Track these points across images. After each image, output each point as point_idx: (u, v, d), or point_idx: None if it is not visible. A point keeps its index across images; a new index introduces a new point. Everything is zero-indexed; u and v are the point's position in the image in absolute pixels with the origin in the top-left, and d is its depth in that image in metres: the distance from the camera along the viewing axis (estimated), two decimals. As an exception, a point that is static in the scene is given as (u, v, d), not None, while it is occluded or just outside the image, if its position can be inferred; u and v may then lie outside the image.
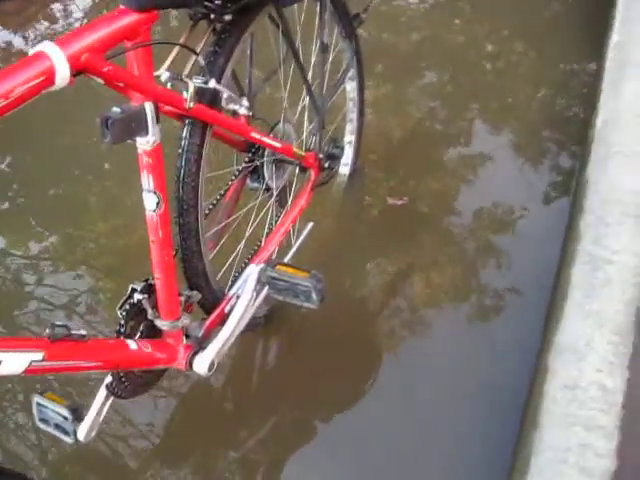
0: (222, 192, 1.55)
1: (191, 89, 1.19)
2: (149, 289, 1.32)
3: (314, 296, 1.39)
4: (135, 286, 1.32)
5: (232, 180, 1.56)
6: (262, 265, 1.45)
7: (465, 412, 1.63)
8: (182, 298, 1.37)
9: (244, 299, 1.43)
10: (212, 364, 1.40)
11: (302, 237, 1.68)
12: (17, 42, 2.94)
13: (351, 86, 1.95)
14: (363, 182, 2.20)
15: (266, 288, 1.46)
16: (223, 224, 1.56)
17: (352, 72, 1.89)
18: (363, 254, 2.03)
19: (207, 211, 1.51)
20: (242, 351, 1.78)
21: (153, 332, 1.37)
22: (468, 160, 2.34)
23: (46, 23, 3.04)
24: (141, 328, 1.35)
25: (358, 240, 2.08)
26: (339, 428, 1.62)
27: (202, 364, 1.38)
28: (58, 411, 1.33)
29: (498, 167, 2.33)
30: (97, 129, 1.06)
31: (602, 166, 1.86)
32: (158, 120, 1.14)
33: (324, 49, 1.56)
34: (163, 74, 1.20)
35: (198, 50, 1.25)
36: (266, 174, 1.58)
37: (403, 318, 1.86)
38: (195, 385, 1.72)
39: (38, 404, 1.34)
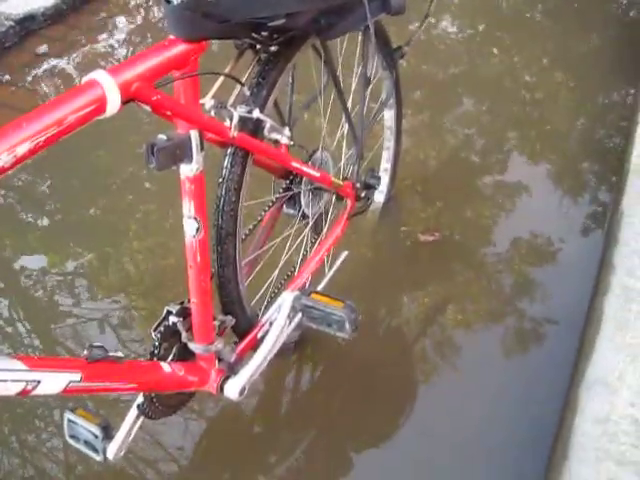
0: (259, 219, 1.57)
1: (236, 118, 1.21)
2: (184, 312, 1.33)
3: (347, 326, 1.40)
4: (170, 308, 1.34)
5: (269, 207, 1.58)
6: (297, 293, 1.46)
7: (494, 443, 1.63)
8: (216, 322, 1.38)
9: (277, 326, 1.44)
10: (243, 389, 1.40)
11: (336, 266, 1.69)
12: (63, 66, 2.99)
13: (389, 114, 1.96)
14: (398, 210, 2.21)
15: (299, 316, 1.47)
16: (259, 251, 1.58)
17: (391, 101, 1.90)
18: (396, 283, 2.03)
19: (243, 237, 1.53)
20: (273, 375, 1.79)
21: (186, 355, 1.38)
22: (504, 190, 2.34)
23: (89, 47, 3.10)
24: (174, 351, 1.37)
25: (391, 269, 2.08)
26: (368, 457, 1.63)
27: (233, 389, 1.39)
28: (89, 428, 1.34)
29: (535, 198, 2.33)
30: (134, 148, 1.07)
31: (638, 198, 1.86)
32: (202, 148, 1.16)
33: (367, 82, 1.58)
34: (207, 102, 1.22)
35: (243, 80, 1.27)
36: (303, 202, 1.59)
37: (435, 347, 1.85)
38: (224, 408, 1.73)
39: (69, 420, 1.36)
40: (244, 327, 1.48)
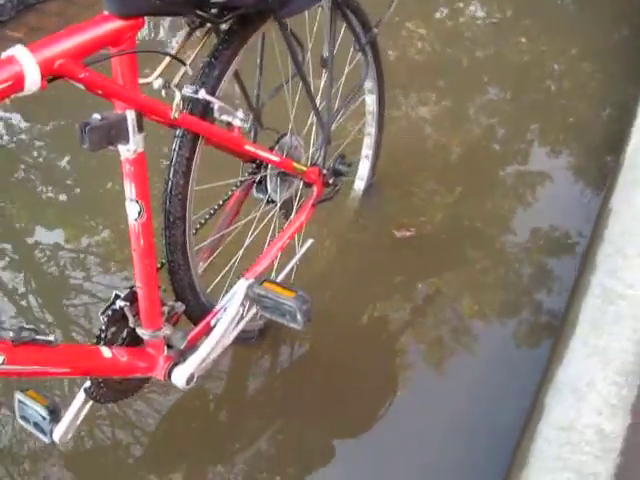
0: (221, 202, 1.53)
1: (177, 99, 1.17)
2: (133, 297, 1.30)
3: (299, 317, 1.35)
4: (119, 292, 1.31)
5: (233, 190, 1.54)
6: (251, 280, 1.42)
7: (461, 442, 1.58)
8: (165, 308, 1.35)
9: (229, 314, 1.40)
10: (191, 377, 1.37)
11: (300, 254, 1.63)
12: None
13: (371, 99, 1.90)
14: (381, 199, 2.15)
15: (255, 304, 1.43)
16: (220, 234, 1.54)
17: (371, 85, 1.84)
18: (384, 272, 1.97)
19: (203, 221, 1.49)
20: (242, 362, 1.76)
21: (136, 340, 1.35)
22: (526, 180, 2.29)
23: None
24: (124, 335, 1.35)
25: (376, 255, 2.03)
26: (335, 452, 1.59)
27: (180, 376, 1.36)
28: (37, 410, 1.33)
29: (556, 189, 2.26)
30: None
31: (628, 194, 1.77)
32: (141, 129, 1.12)
33: (324, 64, 1.52)
34: (155, 82, 1.19)
35: (191, 59, 1.23)
36: (269, 187, 1.55)
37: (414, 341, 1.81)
38: (190, 394, 1.70)
39: (19, 401, 1.35)
40: (198, 314, 1.45)
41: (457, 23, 3.08)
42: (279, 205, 1.60)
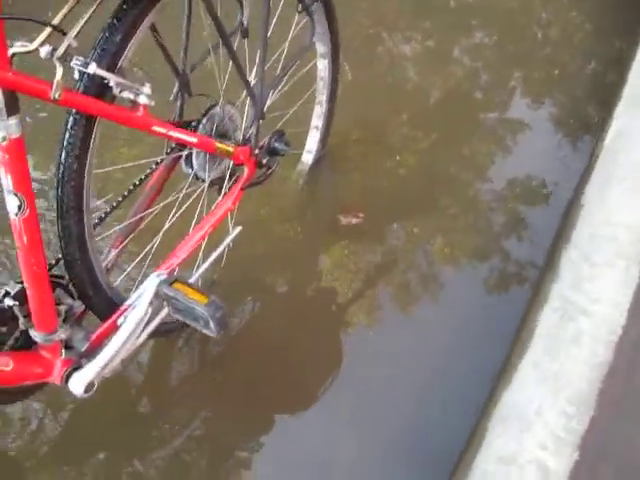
0: (137, 181, 1.35)
1: (58, 75, 0.97)
2: (23, 295, 1.13)
3: (212, 325, 1.19)
4: (9, 289, 1.14)
5: (153, 168, 1.35)
6: (162, 277, 1.24)
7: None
8: (62, 307, 1.19)
9: (136, 314, 1.22)
10: (91, 385, 1.21)
11: (224, 245, 1.42)
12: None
13: (323, 64, 1.70)
14: (332, 175, 1.97)
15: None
16: (136, 218, 1.35)
17: (324, 49, 1.64)
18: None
19: (110, 208, 1.31)
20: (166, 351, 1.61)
21: (30, 342, 1.19)
22: (505, 128, 2.20)
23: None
24: (16, 336, 1.19)
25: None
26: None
27: (78, 384, 1.20)
28: None
29: (535, 139, 2.17)
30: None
31: (602, 191, 1.58)
32: (13, 111, 0.94)
33: (244, 33, 1.31)
34: (42, 50, 0.99)
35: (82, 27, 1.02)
36: (195, 163, 1.36)
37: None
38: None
39: None
40: (104, 311, 1.27)
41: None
42: (207, 184, 1.41)
